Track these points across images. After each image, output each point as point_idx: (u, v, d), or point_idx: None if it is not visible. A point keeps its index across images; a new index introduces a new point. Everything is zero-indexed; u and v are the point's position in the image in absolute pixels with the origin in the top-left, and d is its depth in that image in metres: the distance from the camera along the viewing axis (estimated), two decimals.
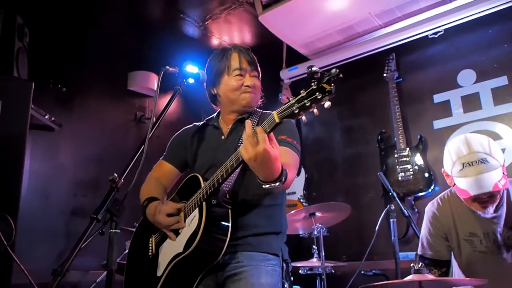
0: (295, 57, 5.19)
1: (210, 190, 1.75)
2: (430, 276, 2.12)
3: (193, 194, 1.85)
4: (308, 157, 5.53)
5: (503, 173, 2.20)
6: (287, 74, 5.50)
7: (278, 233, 1.99)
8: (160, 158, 2.26)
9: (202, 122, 2.26)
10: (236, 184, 1.89)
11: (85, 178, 4.29)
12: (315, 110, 1.41)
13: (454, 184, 2.30)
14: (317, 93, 1.36)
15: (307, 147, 5.57)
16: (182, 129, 2.30)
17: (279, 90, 5.54)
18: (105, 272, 2.14)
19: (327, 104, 1.38)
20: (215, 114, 2.23)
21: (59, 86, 4.18)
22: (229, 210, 1.81)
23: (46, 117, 3.75)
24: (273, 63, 5.41)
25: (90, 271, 3.90)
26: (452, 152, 2.32)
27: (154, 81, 4.97)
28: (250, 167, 1.57)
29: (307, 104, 1.39)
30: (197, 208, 1.79)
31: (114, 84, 4.88)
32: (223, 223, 1.78)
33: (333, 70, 1.36)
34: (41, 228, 3.80)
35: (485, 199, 2.24)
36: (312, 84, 1.38)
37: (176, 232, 1.88)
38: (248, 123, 1.55)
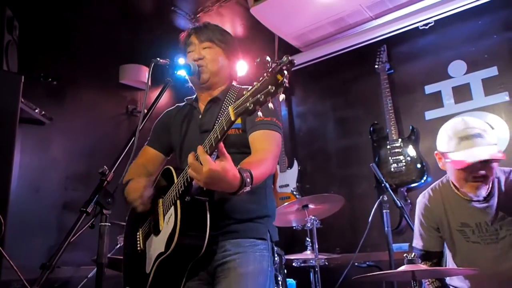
0: (288, 50, 5.17)
1: (181, 189, 1.68)
2: (424, 266, 2.13)
3: (169, 188, 1.79)
4: (301, 149, 5.52)
5: (499, 151, 2.21)
6: None
7: (264, 217, 1.92)
8: (145, 144, 2.19)
9: (183, 103, 2.18)
10: None
11: (76, 171, 4.27)
12: (270, 105, 1.29)
13: (449, 160, 2.30)
14: (270, 86, 1.25)
15: (300, 139, 5.56)
16: (164, 112, 2.23)
17: None
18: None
19: (281, 97, 1.25)
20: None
21: (50, 79, 4.15)
22: (206, 203, 1.72)
23: (37, 111, 3.72)
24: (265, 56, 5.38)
25: (82, 266, 3.89)
26: (448, 130, 2.35)
27: (145, 74, 4.93)
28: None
29: (261, 99, 1.27)
30: (173, 206, 1.73)
31: (105, 77, 4.85)
32: (200, 218, 1.71)
33: (284, 58, 1.24)
34: (32, 222, 3.78)
35: (479, 177, 2.24)
36: (265, 75, 1.27)
37: (158, 229, 1.84)
38: (191, 156, 1.48)
